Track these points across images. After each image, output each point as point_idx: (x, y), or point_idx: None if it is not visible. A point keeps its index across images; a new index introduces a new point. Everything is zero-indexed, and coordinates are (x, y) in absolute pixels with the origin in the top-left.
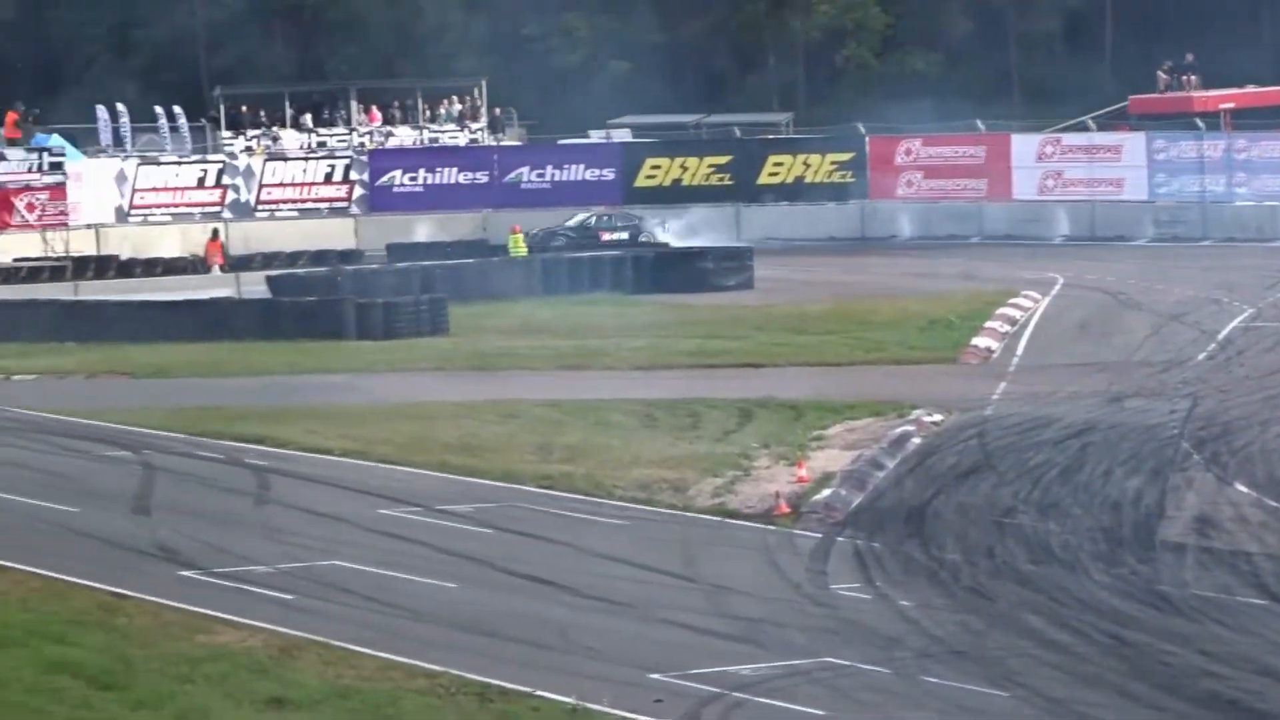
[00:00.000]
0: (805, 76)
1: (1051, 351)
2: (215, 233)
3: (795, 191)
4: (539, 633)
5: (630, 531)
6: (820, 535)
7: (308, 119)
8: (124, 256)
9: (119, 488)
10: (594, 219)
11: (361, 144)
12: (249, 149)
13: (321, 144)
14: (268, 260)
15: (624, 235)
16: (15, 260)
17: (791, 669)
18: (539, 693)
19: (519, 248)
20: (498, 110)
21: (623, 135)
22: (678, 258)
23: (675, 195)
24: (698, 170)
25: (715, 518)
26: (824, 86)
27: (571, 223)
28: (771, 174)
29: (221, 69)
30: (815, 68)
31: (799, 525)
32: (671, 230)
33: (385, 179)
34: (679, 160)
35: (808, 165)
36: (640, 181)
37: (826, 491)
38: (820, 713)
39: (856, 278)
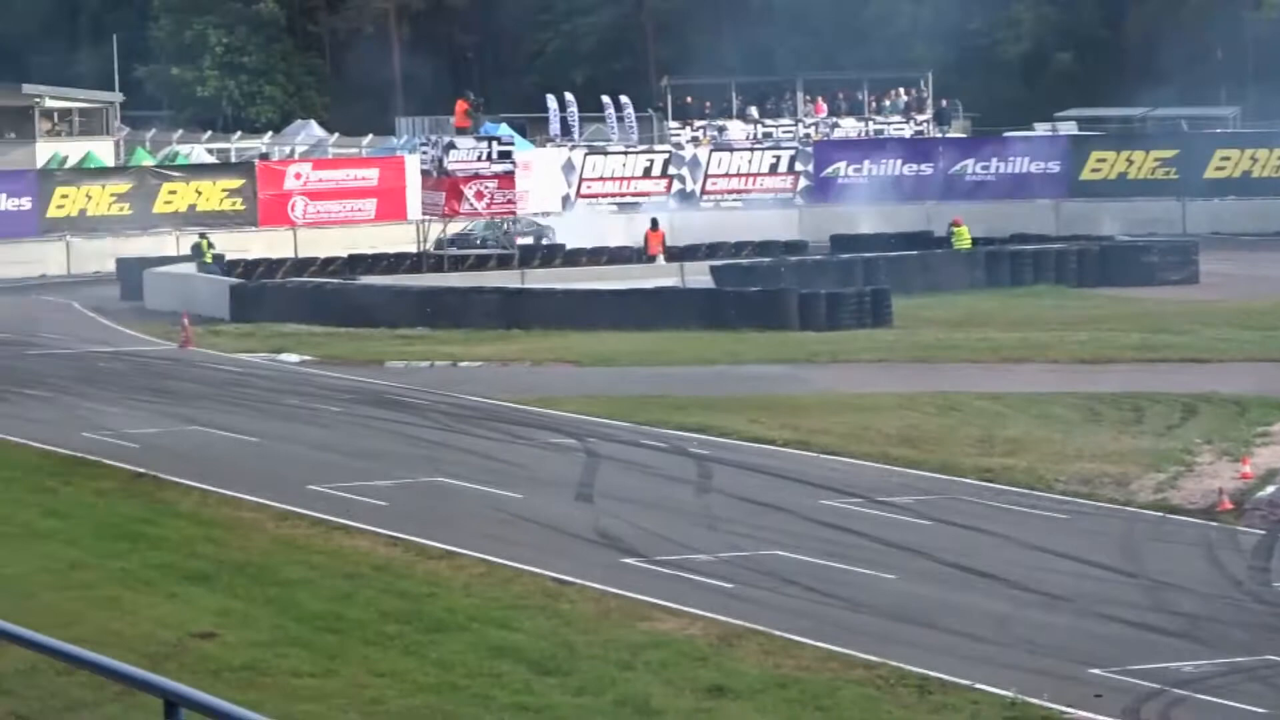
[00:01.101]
0: (1254, 69)
1: None
2: (655, 222)
3: (1242, 186)
4: (977, 625)
5: (1070, 525)
6: (1263, 532)
7: (753, 110)
8: (570, 245)
9: (563, 475)
10: (504, 224)
11: (806, 135)
12: (695, 139)
13: (767, 135)
14: (711, 250)
15: (530, 239)
16: (461, 246)
17: (1232, 667)
18: (977, 686)
19: (964, 240)
20: (944, 102)
21: (1068, 128)
22: (1122, 251)
23: (1120, 188)
24: (1143, 164)
25: (1157, 513)
26: (1273, 79)
27: (474, 226)
28: (1218, 168)
29: (667, 59)
30: (1265, 60)
31: (1242, 522)
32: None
33: (830, 170)
34: (1125, 153)
35: (1255, 159)
36: (1085, 174)
37: (1270, 488)
38: (1263, 711)
39: None
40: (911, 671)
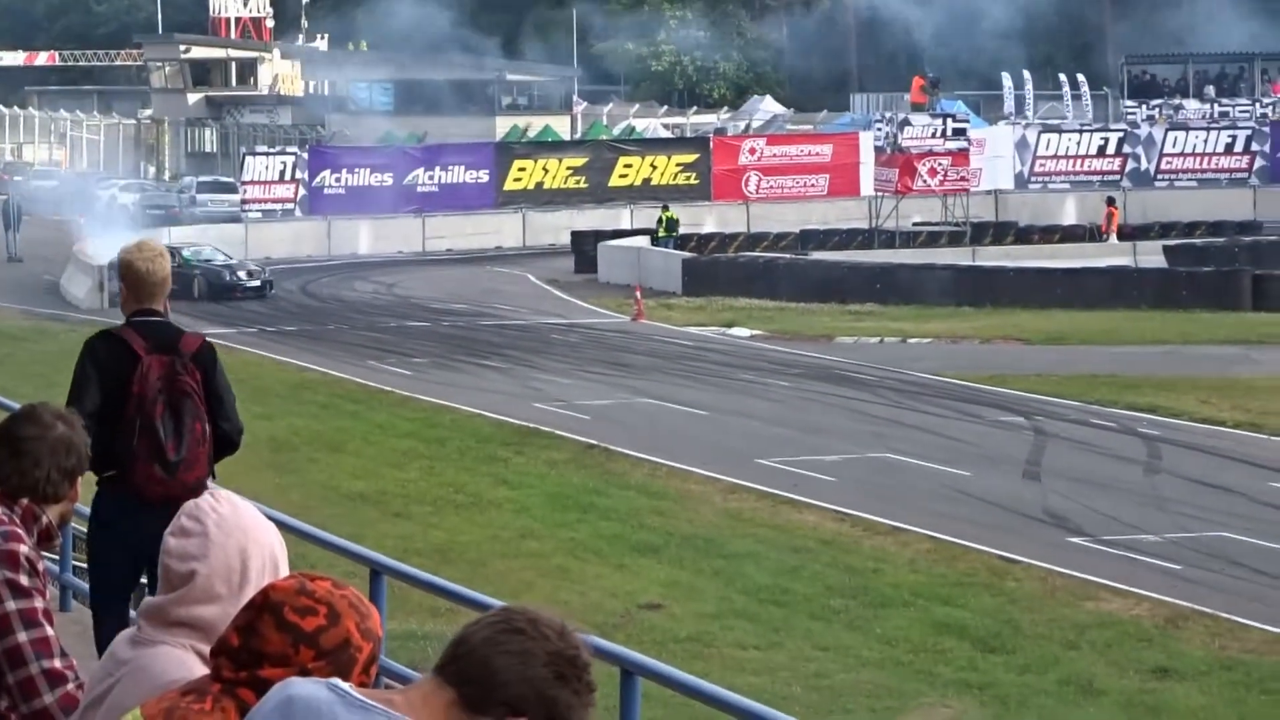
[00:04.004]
0: None
1: None
2: (1111, 200)
3: None
4: None
5: None
6: None
7: (1210, 89)
8: (1022, 223)
9: (1011, 453)
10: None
11: (1264, 115)
12: (1151, 118)
13: (1224, 114)
14: (1165, 230)
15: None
16: (915, 224)
17: None
18: None
19: None
20: None
21: None
22: None
23: None
24: None
25: None
26: None
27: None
28: None
29: (1124, 36)
30: None
31: None
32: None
33: None
34: None
35: None
36: None
37: None
38: None
39: None
40: None
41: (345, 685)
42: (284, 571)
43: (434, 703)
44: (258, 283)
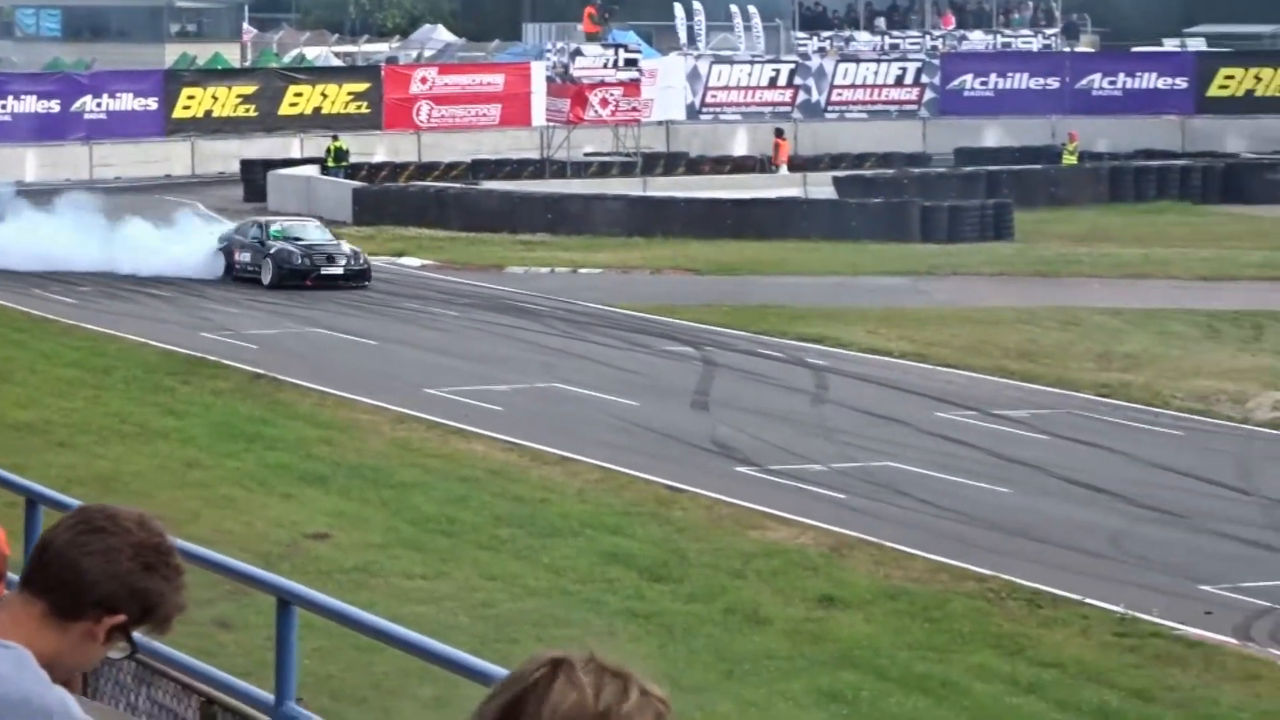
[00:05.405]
0: None
1: None
2: (780, 132)
3: None
4: (1090, 540)
5: (1186, 442)
6: None
7: (881, 22)
8: (693, 154)
9: (680, 383)
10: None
11: (934, 48)
12: (822, 50)
13: (894, 46)
14: (835, 161)
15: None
16: (587, 154)
17: None
18: (1088, 600)
19: (1071, 156)
20: (1072, 16)
21: (1197, 44)
22: (1247, 169)
23: (1247, 106)
24: (1272, 81)
25: (1274, 431)
26: None
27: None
28: None
29: None
30: None
31: None
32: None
33: (956, 83)
34: (1253, 71)
35: None
36: (1213, 91)
37: None
38: None
39: None
40: (1022, 585)
41: None
42: None
43: (24, 619)
44: None
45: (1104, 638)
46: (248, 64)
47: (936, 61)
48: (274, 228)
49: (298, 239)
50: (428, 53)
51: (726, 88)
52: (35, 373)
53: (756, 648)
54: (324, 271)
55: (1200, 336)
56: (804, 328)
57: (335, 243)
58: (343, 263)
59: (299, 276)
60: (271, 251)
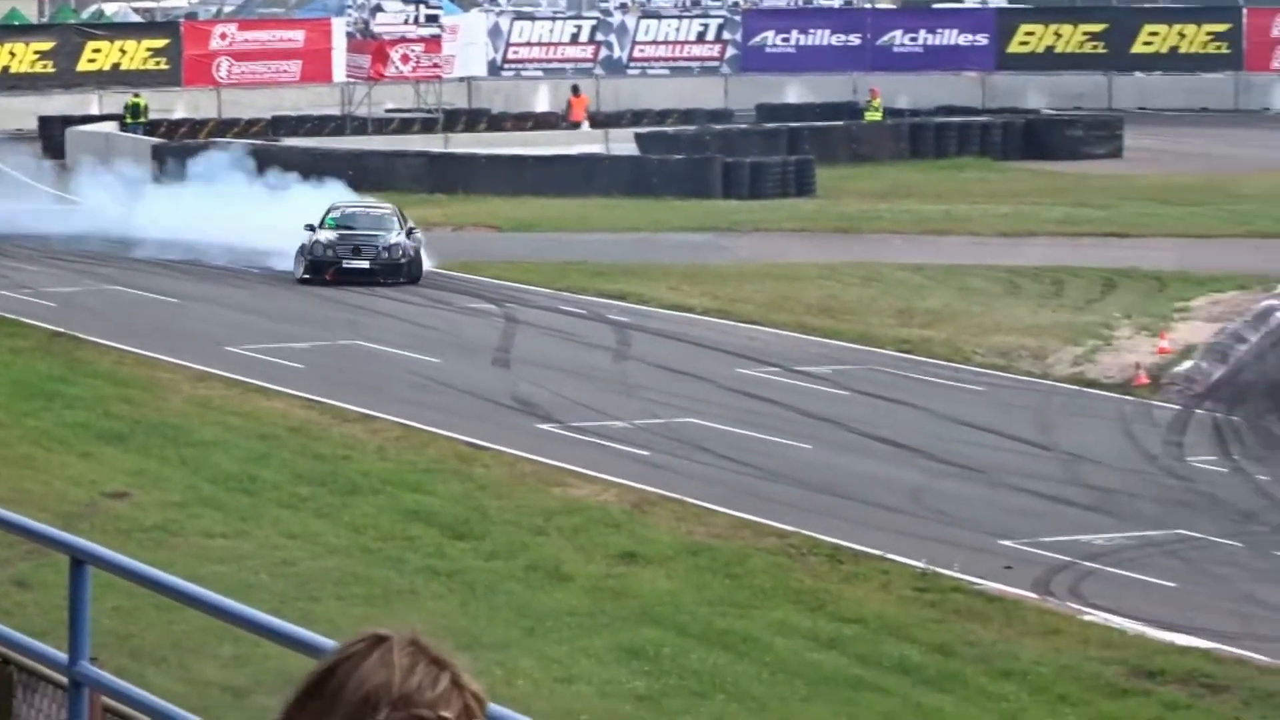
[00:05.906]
0: None
1: None
2: (576, 89)
3: (1169, 61)
4: (891, 496)
5: (987, 398)
6: (1179, 407)
7: None
8: (495, 110)
9: (482, 340)
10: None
11: (735, 3)
12: (624, 6)
13: (696, 2)
14: (637, 117)
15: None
16: (388, 111)
17: (1144, 540)
18: (889, 555)
19: (875, 113)
20: None
21: (997, 1)
22: (1047, 125)
23: (1047, 62)
24: (1071, 37)
25: (1074, 386)
26: None
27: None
28: (1146, 43)
29: None
30: None
31: (1158, 396)
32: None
33: (758, 39)
34: (1053, 27)
35: (1183, 35)
36: (1013, 47)
37: (1187, 363)
38: (1172, 584)
39: (1228, 150)
40: (823, 540)
41: None
42: None
43: None
44: None
45: (905, 593)
46: (45, 20)
47: (738, 18)
48: (333, 214)
49: (348, 228)
50: (227, 8)
51: (528, 44)
52: None
53: (558, 604)
54: (346, 265)
55: (1001, 292)
56: (606, 284)
57: (376, 234)
58: (371, 255)
59: (319, 269)
60: (307, 240)
